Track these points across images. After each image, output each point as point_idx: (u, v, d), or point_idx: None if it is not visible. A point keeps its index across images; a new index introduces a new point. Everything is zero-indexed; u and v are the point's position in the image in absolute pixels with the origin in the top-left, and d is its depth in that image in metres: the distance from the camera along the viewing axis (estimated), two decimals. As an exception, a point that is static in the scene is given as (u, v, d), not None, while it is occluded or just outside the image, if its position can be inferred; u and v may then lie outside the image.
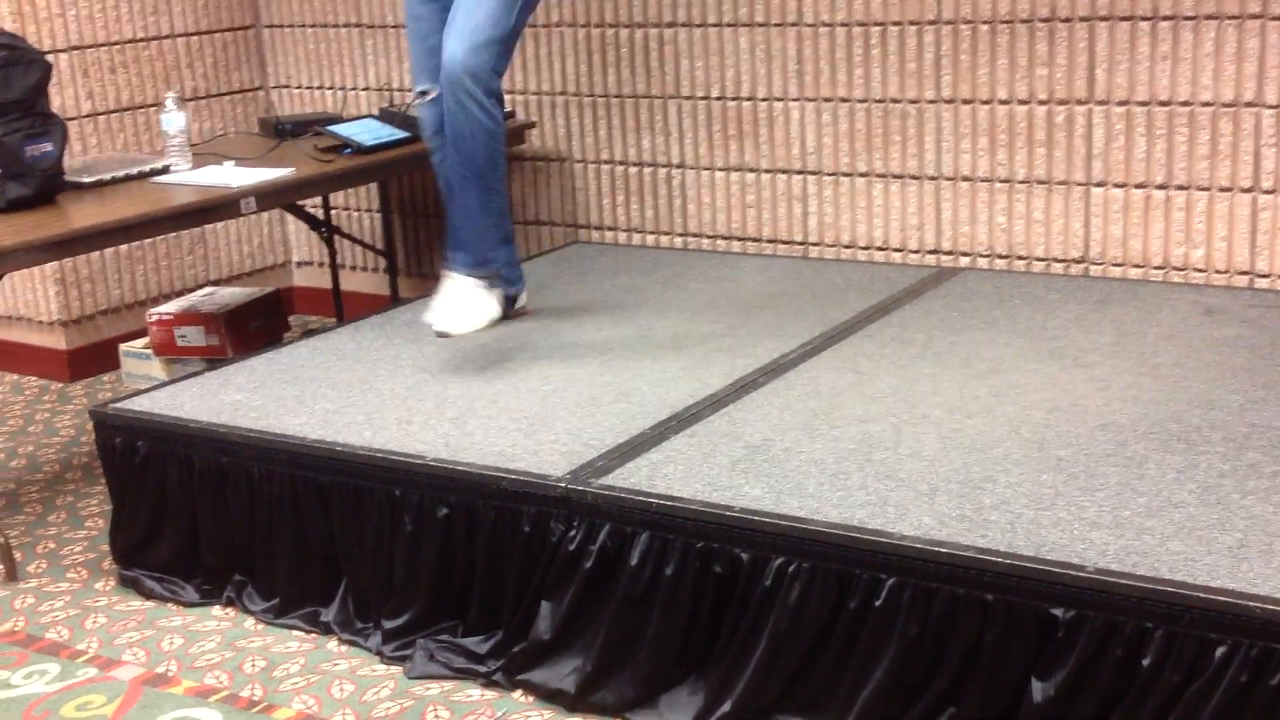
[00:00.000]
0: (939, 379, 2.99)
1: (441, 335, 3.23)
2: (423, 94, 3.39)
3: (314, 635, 2.88)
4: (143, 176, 3.76)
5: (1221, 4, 3.47)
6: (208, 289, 4.64)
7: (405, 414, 2.98)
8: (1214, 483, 2.41)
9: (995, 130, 3.81)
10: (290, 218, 4.95)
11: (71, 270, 4.50)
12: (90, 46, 4.51)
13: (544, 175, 4.58)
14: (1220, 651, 2.03)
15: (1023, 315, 3.40)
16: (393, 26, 4.72)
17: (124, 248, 4.56)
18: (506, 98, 4.53)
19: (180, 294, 4.72)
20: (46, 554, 3.34)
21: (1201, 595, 2.05)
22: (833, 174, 4.07)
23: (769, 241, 4.22)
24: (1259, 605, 2.01)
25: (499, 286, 3.30)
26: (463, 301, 3.20)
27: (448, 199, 3.47)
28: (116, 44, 4.58)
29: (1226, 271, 3.61)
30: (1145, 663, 2.08)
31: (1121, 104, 3.65)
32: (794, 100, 4.08)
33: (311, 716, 2.59)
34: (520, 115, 4.51)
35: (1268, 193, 3.53)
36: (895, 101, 3.93)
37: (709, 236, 4.32)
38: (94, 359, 4.58)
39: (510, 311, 3.48)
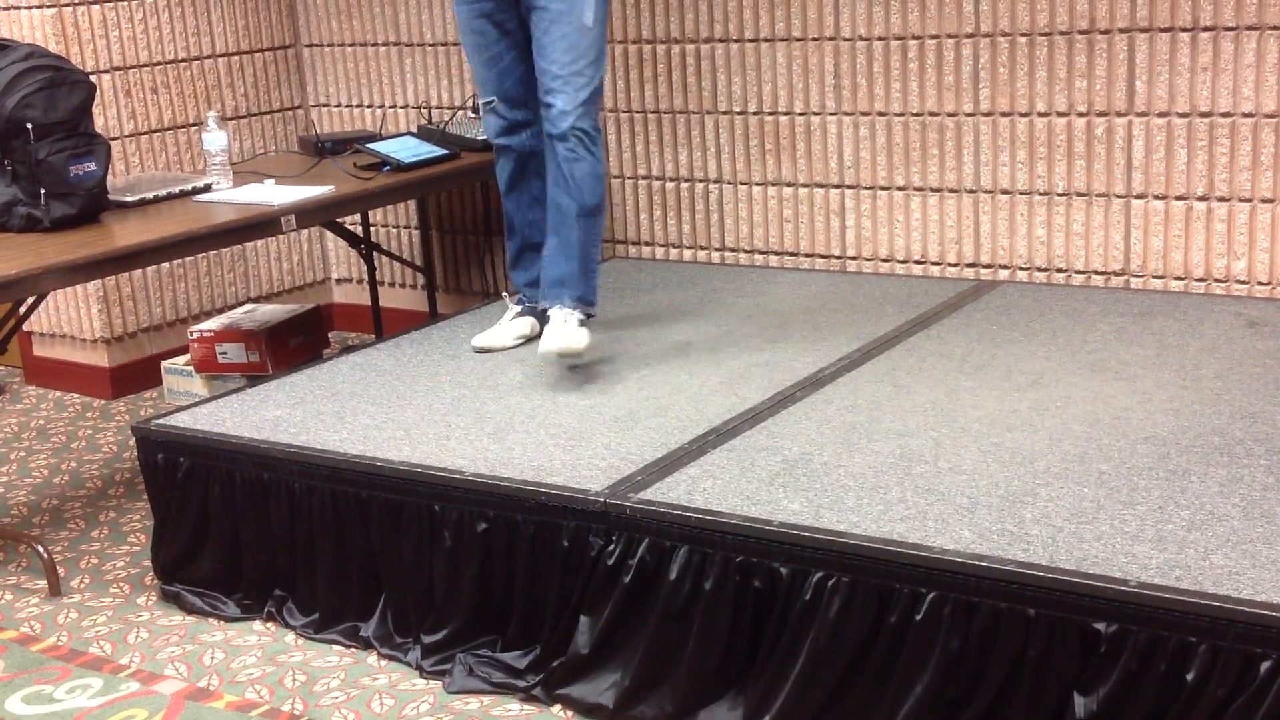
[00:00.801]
0: (978, 392, 2.97)
1: (555, 357, 3.26)
2: (489, 103, 3.45)
3: (354, 650, 2.89)
4: (184, 195, 3.80)
5: (1263, 15, 3.45)
6: (248, 306, 4.67)
7: (444, 429, 2.99)
8: (1258, 496, 2.39)
9: (1034, 143, 3.80)
10: (330, 235, 4.98)
11: (114, 288, 4.54)
12: (133, 67, 4.56)
13: (581, 191, 4.58)
14: (1265, 666, 2.01)
15: (1063, 328, 3.38)
16: (430, 45, 4.75)
17: (165, 265, 4.61)
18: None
19: (221, 311, 4.76)
20: (89, 569, 3.37)
21: (1246, 609, 2.03)
22: (870, 188, 4.06)
23: (807, 256, 4.22)
24: (1305, 620, 1.99)
25: (589, 326, 3.30)
26: (570, 331, 3.22)
27: (515, 228, 3.56)
28: (159, 64, 4.64)
29: (1269, 283, 3.58)
30: (1189, 677, 2.06)
31: (1162, 115, 3.62)
32: (831, 114, 4.07)
33: (352, 731, 2.60)
34: (557, 131, 4.52)
35: (1311, 204, 3.49)
36: (933, 115, 3.92)
37: (746, 251, 4.32)
38: (136, 376, 4.62)
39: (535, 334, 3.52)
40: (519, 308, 3.59)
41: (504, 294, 3.73)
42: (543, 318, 3.38)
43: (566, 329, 3.22)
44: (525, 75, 3.38)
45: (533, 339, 3.50)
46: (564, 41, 3.20)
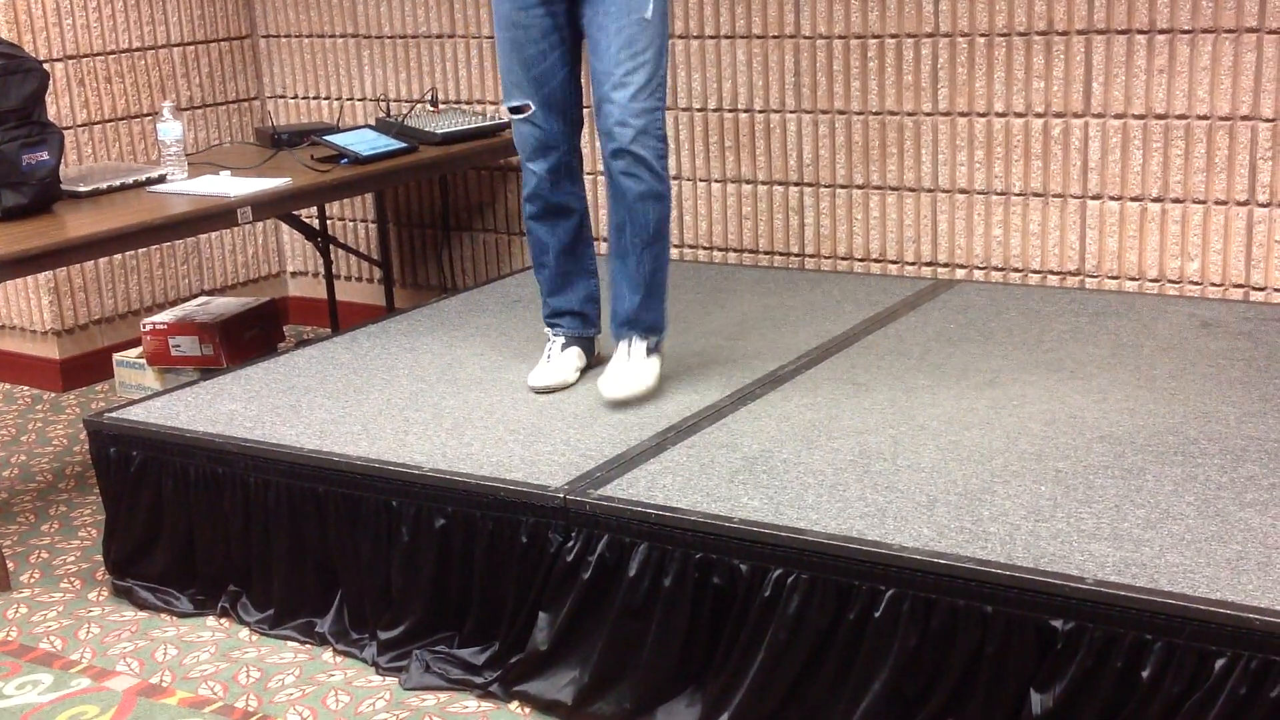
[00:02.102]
0: (936, 391, 2.99)
1: (616, 404, 2.98)
2: (517, 110, 3.08)
3: (309, 646, 2.87)
4: (138, 186, 3.76)
5: (1218, 18, 3.48)
6: (202, 298, 4.63)
7: (402, 424, 2.97)
8: (1212, 495, 2.41)
9: (992, 143, 3.82)
10: (286, 227, 4.94)
11: (65, 279, 4.49)
12: (86, 56, 4.51)
13: (540, 186, 4.57)
14: (1220, 663, 2.03)
15: (1019, 327, 3.40)
16: (389, 37, 4.72)
17: (118, 257, 4.55)
18: (503, 108, 4.54)
19: (174, 304, 4.71)
20: (39, 564, 3.33)
21: (1201, 607, 2.05)
22: (830, 186, 4.08)
23: (765, 253, 4.23)
24: (1258, 617, 2.01)
25: (658, 354, 3.07)
26: (638, 369, 2.99)
27: (549, 252, 3.21)
28: (113, 53, 4.58)
29: (1222, 284, 3.62)
30: (1145, 674, 2.08)
31: (1118, 117, 3.66)
32: (791, 112, 4.08)
33: (307, 727, 2.58)
34: (516, 126, 4.51)
35: (1263, 206, 3.53)
36: (892, 114, 3.93)
37: (705, 248, 4.32)
38: (87, 369, 4.56)
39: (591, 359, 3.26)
40: (562, 338, 3.23)
41: (547, 330, 3.29)
42: (590, 345, 3.24)
43: (633, 365, 2.97)
44: (568, 80, 3.06)
45: (584, 368, 3.22)
46: (620, 36, 2.86)
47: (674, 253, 4.36)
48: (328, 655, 2.84)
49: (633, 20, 2.87)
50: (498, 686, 2.62)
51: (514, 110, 3.09)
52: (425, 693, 2.66)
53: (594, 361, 3.24)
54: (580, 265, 3.25)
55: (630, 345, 3.02)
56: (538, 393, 3.10)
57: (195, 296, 4.77)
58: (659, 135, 2.93)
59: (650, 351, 3.03)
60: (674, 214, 4.35)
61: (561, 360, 3.18)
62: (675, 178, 4.31)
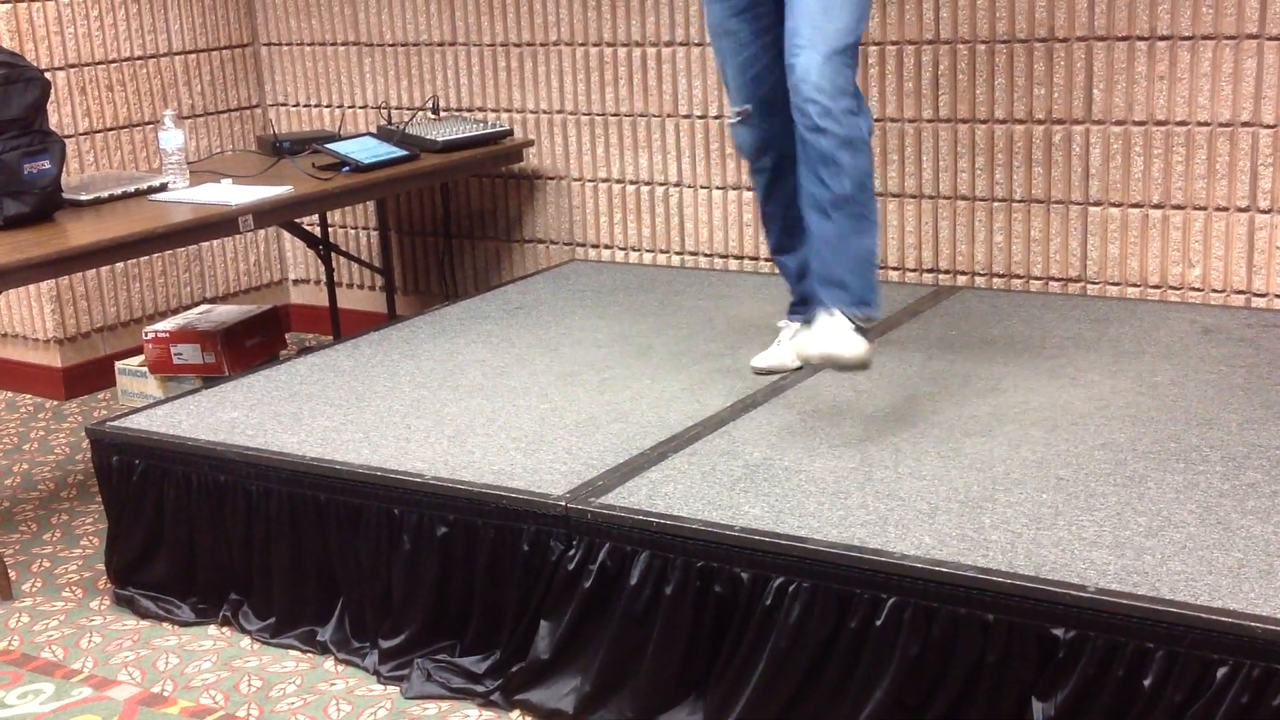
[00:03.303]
0: (938, 398, 2.98)
1: (817, 360, 2.79)
2: (739, 114, 3.08)
3: (310, 654, 2.87)
4: (140, 194, 3.76)
5: (1219, 24, 3.48)
6: (204, 306, 4.63)
7: (404, 432, 2.97)
8: (1214, 502, 2.41)
9: (993, 149, 3.82)
10: (287, 235, 4.94)
11: (67, 288, 4.49)
12: (88, 64, 4.51)
13: (541, 193, 4.58)
14: (1222, 672, 2.02)
15: (1020, 334, 3.40)
16: (390, 45, 4.72)
17: (120, 265, 4.56)
18: (504, 116, 4.55)
19: (176, 311, 4.71)
20: (41, 573, 3.33)
21: (1203, 615, 2.04)
22: (830, 193, 4.07)
23: (767, 260, 4.22)
24: (1260, 625, 2.00)
25: (873, 339, 2.83)
26: (841, 336, 2.75)
27: (781, 227, 3.15)
28: (114, 62, 4.59)
29: (1224, 290, 3.62)
30: (1146, 683, 2.08)
31: (1119, 123, 3.66)
32: (792, 119, 4.07)
33: (308, 736, 2.58)
34: (518, 133, 4.52)
35: (1264, 212, 3.53)
36: (893, 120, 3.93)
37: (706, 255, 4.33)
38: (89, 377, 4.57)
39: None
40: (795, 324, 3.17)
41: (780, 324, 3.27)
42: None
43: (836, 332, 2.75)
44: (782, 79, 2.91)
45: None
46: (826, 14, 2.75)
47: (674, 260, 4.37)
48: (329, 664, 2.84)
49: None
50: (499, 695, 2.62)
51: (738, 114, 3.08)
52: (427, 701, 2.66)
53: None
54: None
55: (836, 318, 2.78)
56: (758, 373, 3.17)
57: (197, 304, 4.77)
58: (854, 95, 2.79)
59: (857, 330, 2.78)
60: (674, 221, 4.35)
61: (790, 346, 3.13)
62: (676, 184, 4.32)
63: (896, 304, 3.71)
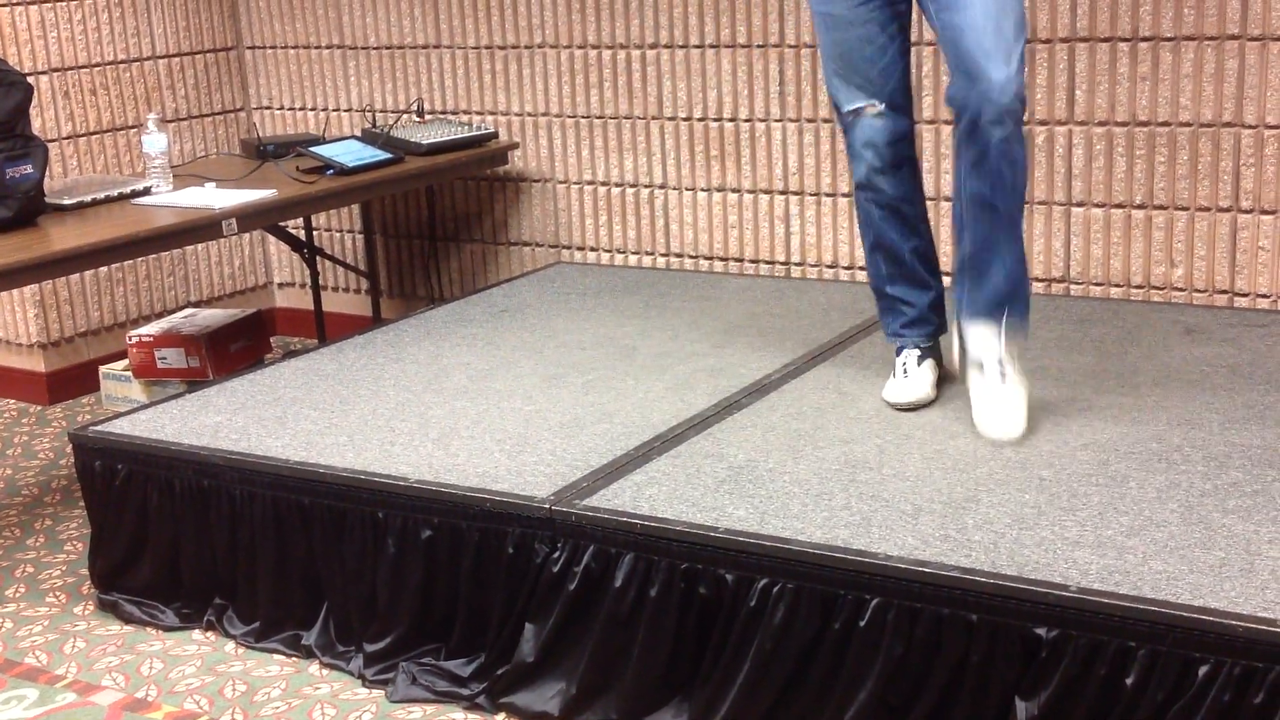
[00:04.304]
0: (922, 399, 2.99)
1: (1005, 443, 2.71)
2: (857, 111, 2.88)
3: (295, 659, 2.87)
4: (124, 198, 3.75)
5: (1200, 25, 3.50)
6: (188, 310, 4.62)
7: (388, 435, 2.97)
8: (1195, 502, 2.42)
9: (976, 151, 3.82)
10: (272, 239, 4.93)
11: (51, 292, 4.48)
12: (71, 68, 4.50)
13: (527, 196, 4.58)
14: (1203, 670, 2.03)
15: (1005, 335, 3.40)
16: (375, 48, 4.72)
17: (104, 269, 4.55)
18: (489, 118, 4.55)
19: (160, 316, 4.70)
20: (25, 578, 3.32)
21: (1185, 614, 2.05)
22: (815, 194, 4.08)
23: (751, 261, 4.23)
24: (1241, 624, 2.01)
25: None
26: (1013, 399, 2.72)
27: (894, 236, 2.96)
28: (98, 65, 4.58)
29: (1206, 291, 3.63)
30: (1129, 682, 2.08)
31: (1101, 124, 3.67)
32: (776, 121, 4.09)
33: (293, 741, 2.57)
34: (503, 136, 4.51)
35: (1246, 212, 3.55)
36: (876, 122, 3.93)
37: (691, 257, 4.33)
38: (73, 382, 4.55)
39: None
40: (918, 351, 2.98)
41: (900, 351, 3.02)
42: (936, 351, 3.00)
43: (1007, 393, 2.73)
44: (906, 72, 2.89)
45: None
46: (983, 3, 2.63)
47: (659, 261, 4.37)
48: (314, 668, 2.83)
49: None
50: (484, 698, 2.62)
51: (853, 112, 2.88)
52: (412, 705, 2.65)
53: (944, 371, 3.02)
54: (931, 266, 3.02)
55: (1000, 348, 2.74)
56: (899, 409, 2.89)
57: (182, 308, 4.76)
58: (1023, 98, 2.70)
59: (1014, 355, 2.76)
60: (659, 223, 4.36)
61: (923, 375, 2.96)
62: (661, 186, 4.32)
63: (881, 305, 3.71)
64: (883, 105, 2.87)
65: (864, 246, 3.06)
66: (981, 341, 2.78)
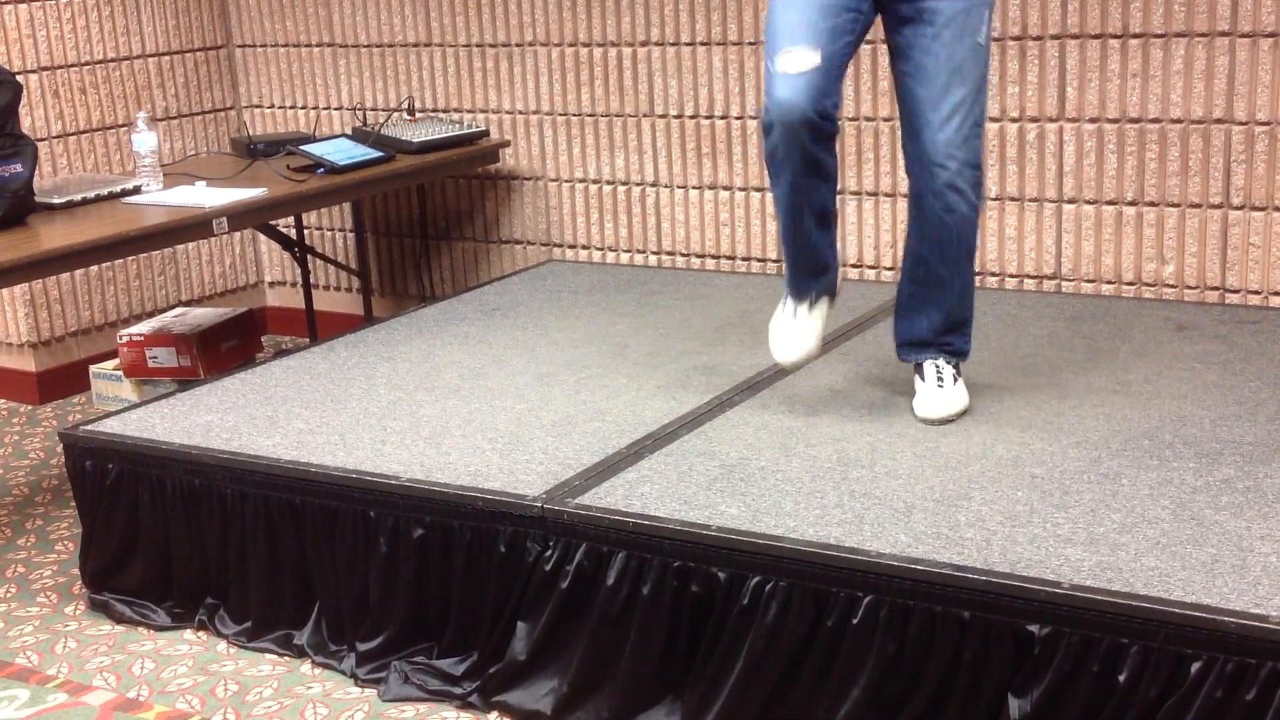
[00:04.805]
0: (913, 396, 2.98)
1: (937, 423, 2.82)
2: (790, 55, 2.62)
3: (287, 658, 2.86)
4: (114, 197, 3.74)
5: (1191, 22, 3.50)
6: (179, 309, 4.61)
7: (380, 434, 2.96)
8: (1187, 498, 2.42)
9: (967, 148, 3.83)
10: (263, 237, 4.93)
11: (41, 291, 4.47)
12: (61, 67, 4.49)
13: (518, 194, 4.57)
14: (1195, 667, 2.03)
15: (995, 332, 3.41)
16: (365, 46, 4.71)
17: (94, 268, 4.54)
18: (480, 116, 4.55)
19: (151, 315, 4.69)
20: (16, 578, 3.31)
21: (1176, 611, 2.05)
22: (806, 192, 4.07)
23: (743, 259, 4.23)
24: (1233, 620, 2.02)
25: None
26: (951, 394, 2.86)
27: (807, 241, 2.90)
28: (87, 64, 4.56)
29: (1197, 287, 3.63)
30: (1121, 678, 2.09)
31: (1093, 121, 3.67)
32: (767, 119, 4.08)
33: (285, 740, 2.57)
34: (494, 134, 4.51)
35: (1237, 208, 3.55)
36: (869, 119, 3.94)
37: (683, 254, 4.33)
38: (64, 381, 4.54)
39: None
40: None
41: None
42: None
43: (945, 389, 2.85)
44: (850, 47, 2.68)
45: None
46: (951, 64, 2.65)
47: (651, 259, 4.37)
48: (306, 667, 2.83)
49: (965, 46, 2.66)
50: (477, 697, 2.62)
51: (786, 56, 2.61)
52: (404, 704, 2.65)
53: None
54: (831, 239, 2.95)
55: (940, 369, 2.88)
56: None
57: (172, 307, 4.75)
58: (978, 164, 2.75)
59: (956, 378, 2.90)
60: (650, 220, 4.35)
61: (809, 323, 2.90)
62: (652, 184, 4.32)
63: (872, 302, 3.72)
64: (821, 60, 2.61)
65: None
66: (927, 364, 2.92)
